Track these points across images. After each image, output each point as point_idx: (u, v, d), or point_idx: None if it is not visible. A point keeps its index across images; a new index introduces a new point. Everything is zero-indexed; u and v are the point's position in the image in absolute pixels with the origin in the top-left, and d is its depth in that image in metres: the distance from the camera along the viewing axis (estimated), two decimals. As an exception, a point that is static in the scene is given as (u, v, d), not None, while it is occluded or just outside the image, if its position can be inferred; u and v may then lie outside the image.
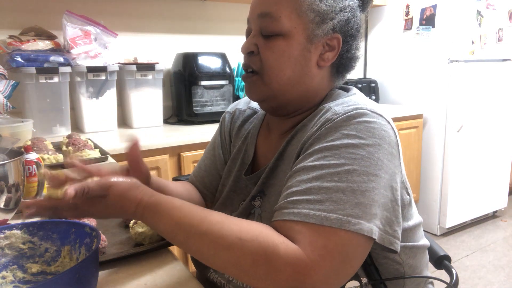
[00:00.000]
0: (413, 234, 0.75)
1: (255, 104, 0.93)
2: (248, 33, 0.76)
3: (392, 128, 0.65)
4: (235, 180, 0.84)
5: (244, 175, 0.83)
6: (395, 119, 2.42)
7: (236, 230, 0.54)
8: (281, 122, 0.80)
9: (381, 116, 0.64)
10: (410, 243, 0.74)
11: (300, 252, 0.52)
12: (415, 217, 0.76)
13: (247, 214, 0.78)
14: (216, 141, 0.96)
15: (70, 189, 0.56)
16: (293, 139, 0.73)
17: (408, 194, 0.70)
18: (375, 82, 2.86)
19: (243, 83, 2.24)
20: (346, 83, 0.81)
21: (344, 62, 0.75)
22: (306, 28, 0.70)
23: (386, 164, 0.60)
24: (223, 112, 1.00)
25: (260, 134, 0.85)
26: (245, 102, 0.96)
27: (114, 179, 0.60)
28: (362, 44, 3.06)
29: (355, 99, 0.69)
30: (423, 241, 0.78)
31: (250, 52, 0.74)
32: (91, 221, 0.85)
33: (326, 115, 0.66)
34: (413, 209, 0.75)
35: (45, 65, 1.67)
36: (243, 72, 0.77)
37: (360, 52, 0.78)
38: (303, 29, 0.70)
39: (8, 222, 0.81)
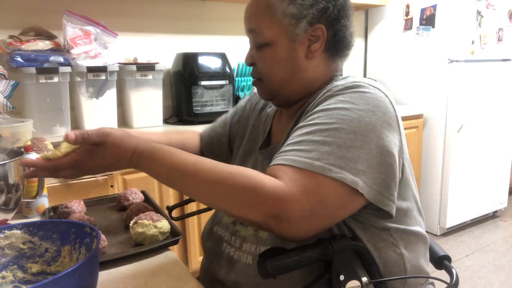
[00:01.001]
0: (407, 218, 0.75)
1: None
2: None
3: (390, 102, 0.69)
4: (256, 157, 0.90)
5: (258, 149, 0.89)
6: (395, 119, 2.42)
7: (227, 167, 0.61)
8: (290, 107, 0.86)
9: (379, 89, 0.69)
10: (403, 226, 0.74)
11: (282, 184, 0.58)
12: (412, 201, 0.76)
13: None
14: (240, 106, 1.04)
15: (71, 134, 0.62)
16: (300, 118, 0.77)
17: (402, 173, 0.70)
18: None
19: (243, 83, 2.26)
20: None
21: (333, 46, 0.79)
22: (286, 32, 0.77)
23: (379, 129, 0.64)
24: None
25: (275, 117, 0.92)
26: None
27: (110, 129, 0.65)
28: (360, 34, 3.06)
29: (357, 78, 0.74)
30: (418, 228, 0.78)
31: (251, 63, 0.84)
32: (91, 221, 0.85)
33: (327, 87, 0.74)
34: (410, 191, 0.75)
35: (45, 65, 1.66)
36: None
37: (351, 30, 0.81)
38: (284, 34, 0.77)
39: (8, 222, 0.81)
